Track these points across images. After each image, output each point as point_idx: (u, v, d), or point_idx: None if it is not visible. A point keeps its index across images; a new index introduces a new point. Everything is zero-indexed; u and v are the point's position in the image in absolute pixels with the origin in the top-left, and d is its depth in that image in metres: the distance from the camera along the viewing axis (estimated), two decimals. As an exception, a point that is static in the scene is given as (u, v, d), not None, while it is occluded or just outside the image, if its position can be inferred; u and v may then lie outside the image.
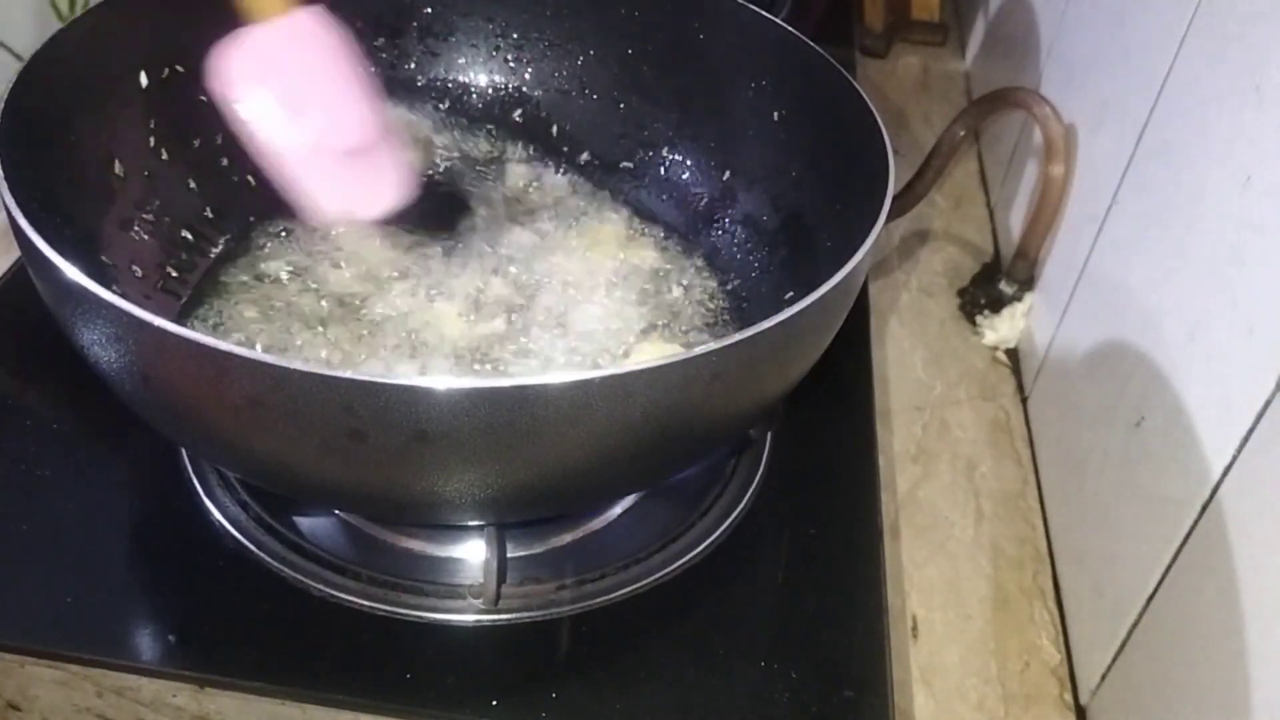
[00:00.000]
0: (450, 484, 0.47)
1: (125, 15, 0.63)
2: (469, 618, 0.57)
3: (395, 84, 0.78)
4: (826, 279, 0.49)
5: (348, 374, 0.41)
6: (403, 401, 0.42)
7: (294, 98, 0.55)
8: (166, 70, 0.66)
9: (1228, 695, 0.50)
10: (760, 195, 0.72)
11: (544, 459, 0.46)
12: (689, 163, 0.76)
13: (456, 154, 0.79)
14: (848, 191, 0.62)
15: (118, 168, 0.63)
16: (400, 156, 0.60)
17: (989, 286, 0.89)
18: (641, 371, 0.44)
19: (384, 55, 0.77)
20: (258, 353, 0.41)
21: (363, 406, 0.42)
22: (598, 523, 0.62)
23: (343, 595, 0.57)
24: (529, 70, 0.79)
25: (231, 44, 0.54)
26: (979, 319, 0.89)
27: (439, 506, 0.50)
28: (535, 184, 0.77)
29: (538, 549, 0.61)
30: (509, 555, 0.59)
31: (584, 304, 0.67)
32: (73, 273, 0.44)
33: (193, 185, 0.69)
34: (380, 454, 0.45)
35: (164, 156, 0.67)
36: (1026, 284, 0.86)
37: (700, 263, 0.73)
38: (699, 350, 0.44)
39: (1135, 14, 0.76)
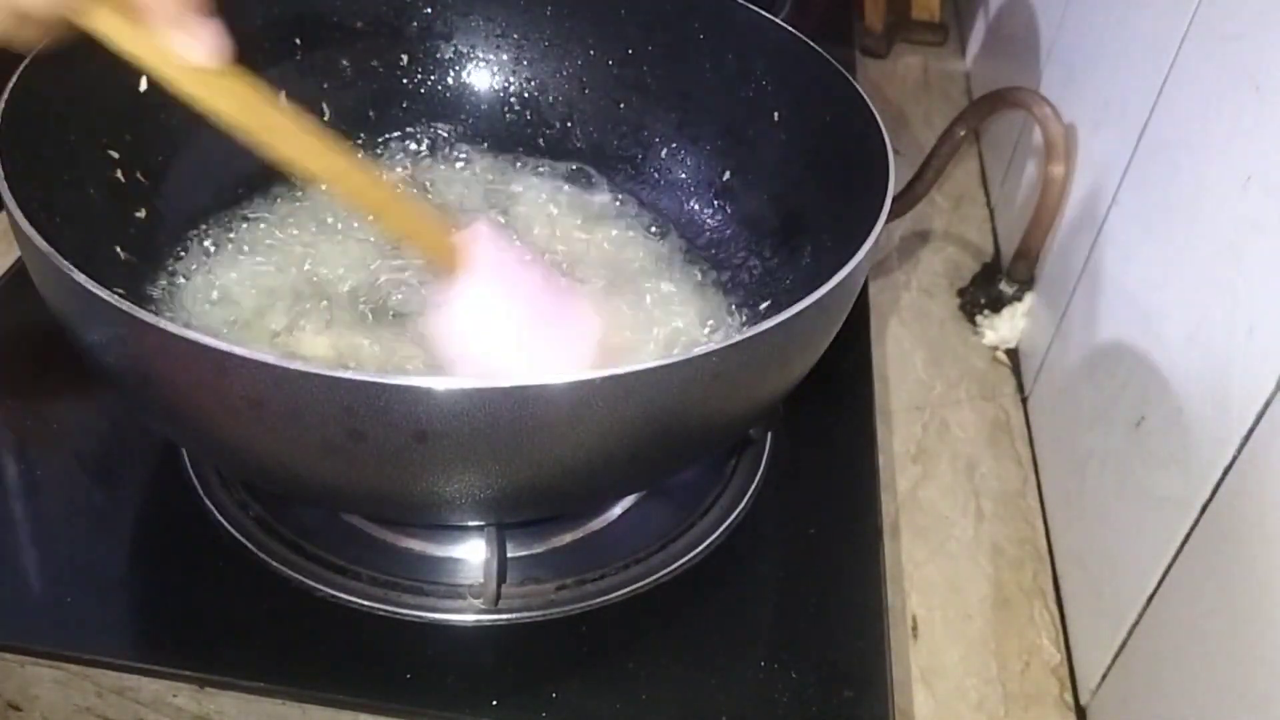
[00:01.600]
0: (450, 484, 0.47)
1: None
2: (469, 618, 0.57)
3: (394, 86, 0.78)
4: (826, 279, 0.49)
5: (347, 374, 0.41)
6: (402, 401, 0.42)
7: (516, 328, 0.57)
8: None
9: (1228, 695, 0.50)
10: (760, 195, 0.72)
11: (544, 459, 0.46)
12: (689, 162, 0.76)
13: (454, 153, 0.79)
14: (848, 191, 0.62)
15: (118, 168, 0.63)
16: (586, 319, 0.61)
17: (989, 286, 0.89)
18: (641, 372, 0.43)
19: (383, 56, 0.77)
20: (258, 352, 0.41)
21: (362, 406, 0.42)
22: (598, 523, 0.62)
23: (343, 595, 0.57)
24: (529, 70, 0.79)
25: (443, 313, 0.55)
26: (979, 319, 0.89)
27: (439, 506, 0.50)
28: (534, 184, 0.77)
29: (538, 549, 0.61)
30: (509, 555, 0.59)
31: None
32: (73, 273, 0.44)
33: (193, 186, 0.69)
34: (380, 454, 0.45)
35: (164, 157, 0.67)
36: (1026, 284, 0.86)
37: (699, 262, 0.73)
38: (699, 351, 0.44)
39: (1135, 14, 0.76)
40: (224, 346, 0.41)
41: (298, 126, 0.48)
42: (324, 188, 0.50)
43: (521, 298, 0.57)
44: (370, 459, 0.45)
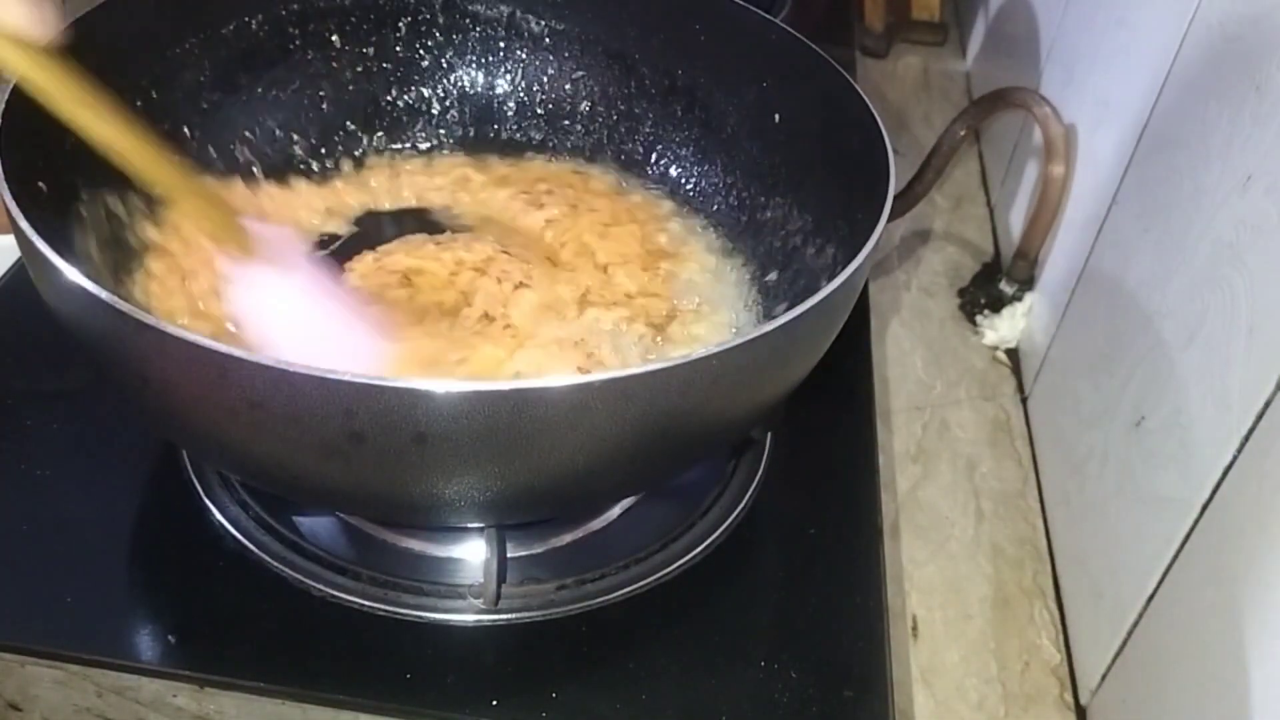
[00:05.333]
0: (450, 486, 0.47)
1: (126, 16, 0.63)
2: (469, 618, 0.57)
3: (393, 86, 0.78)
4: (827, 281, 0.49)
5: (347, 376, 0.41)
6: (402, 404, 0.42)
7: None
8: (168, 72, 0.66)
9: (1228, 695, 0.50)
10: (760, 196, 0.72)
11: (543, 462, 0.46)
12: (688, 164, 0.76)
13: (452, 153, 0.79)
14: (848, 193, 0.62)
15: (118, 168, 0.63)
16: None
17: (989, 286, 0.89)
18: (641, 375, 0.43)
19: (381, 55, 0.77)
20: (257, 354, 0.41)
21: (362, 409, 0.42)
22: (598, 523, 0.62)
23: (343, 595, 0.57)
24: (528, 71, 0.79)
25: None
26: (979, 319, 0.89)
27: (438, 509, 0.50)
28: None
29: (538, 549, 0.61)
30: (509, 555, 0.59)
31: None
32: (72, 273, 0.44)
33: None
34: (379, 456, 0.45)
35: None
36: (1027, 284, 0.86)
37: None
38: (699, 353, 0.44)
39: (1135, 14, 0.76)
40: (223, 348, 0.41)
41: (106, 111, 0.49)
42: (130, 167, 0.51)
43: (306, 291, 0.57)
44: (369, 461, 0.45)
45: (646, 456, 0.49)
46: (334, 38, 0.75)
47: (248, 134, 0.72)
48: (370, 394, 0.41)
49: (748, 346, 0.46)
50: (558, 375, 0.42)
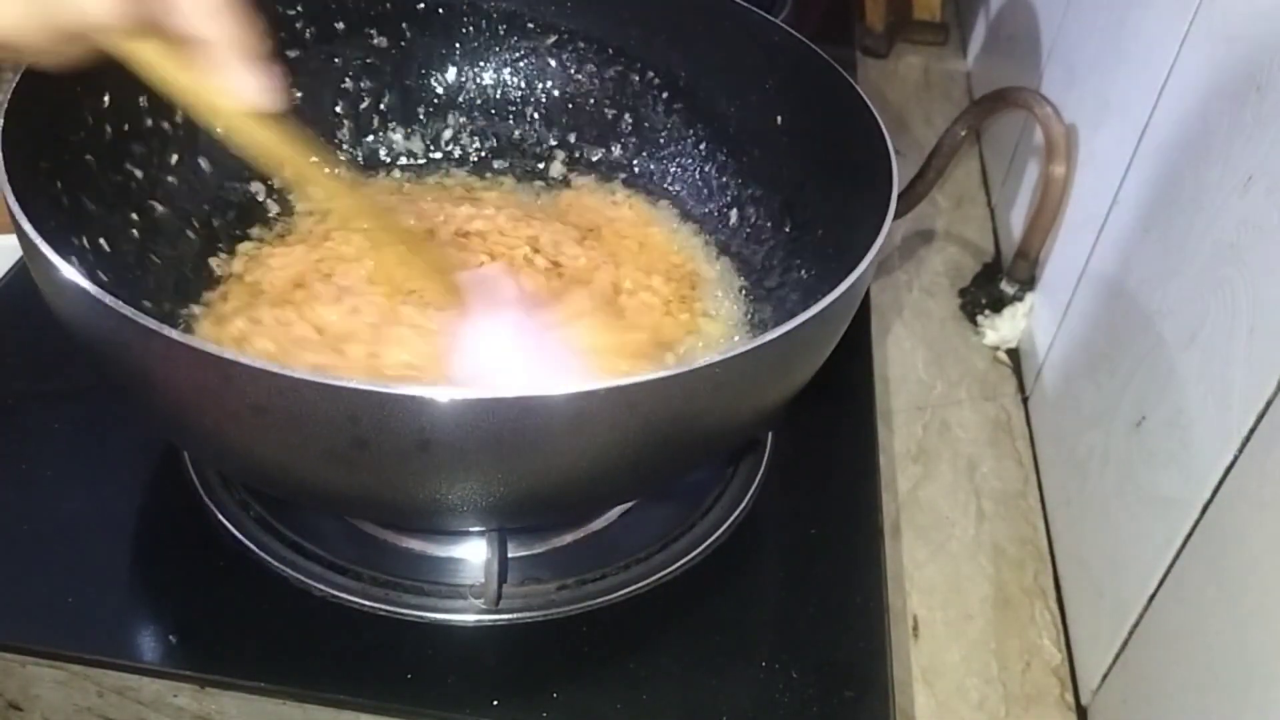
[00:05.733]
0: (453, 492, 0.47)
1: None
2: (470, 618, 0.57)
3: (390, 86, 0.78)
4: (830, 286, 0.49)
5: (352, 383, 0.41)
6: (406, 411, 0.42)
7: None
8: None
9: (1228, 695, 0.50)
10: (762, 199, 0.72)
11: (546, 469, 0.46)
12: (689, 166, 0.76)
13: (451, 153, 0.79)
14: (850, 196, 0.62)
15: (121, 170, 0.63)
16: None
17: (990, 286, 0.89)
18: (644, 383, 0.43)
19: (377, 56, 0.77)
20: (262, 360, 0.41)
21: (366, 415, 0.42)
22: (599, 523, 0.62)
23: (344, 595, 0.57)
24: (528, 73, 0.78)
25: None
26: (980, 319, 0.89)
27: (441, 514, 0.50)
28: (533, 186, 0.77)
29: (539, 549, 0.61)
30: (510, 555, 0.59)
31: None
32: (75, 276, 0.44)
33: (196, 188, 0.69)
34: (383, 463, 0.44)
35: (168, 159, 0.67)
36: (1027, 284, 0.86)
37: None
38: (701, 361, 0.44)
39: (1136, 14, 0.76)
40: (228, 354, 0.41)
41: (325, 172, 0.53)
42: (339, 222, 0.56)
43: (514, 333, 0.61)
44: (373, 467, 0.45)
45: (649, 463, 0.49)
46: (336, 28, 0.75)
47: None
48: (374, 400, 0.41)
49: (750, 354, 0.46)
50: (560, 383, 0.42)
